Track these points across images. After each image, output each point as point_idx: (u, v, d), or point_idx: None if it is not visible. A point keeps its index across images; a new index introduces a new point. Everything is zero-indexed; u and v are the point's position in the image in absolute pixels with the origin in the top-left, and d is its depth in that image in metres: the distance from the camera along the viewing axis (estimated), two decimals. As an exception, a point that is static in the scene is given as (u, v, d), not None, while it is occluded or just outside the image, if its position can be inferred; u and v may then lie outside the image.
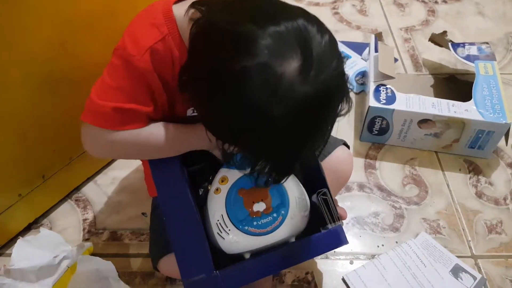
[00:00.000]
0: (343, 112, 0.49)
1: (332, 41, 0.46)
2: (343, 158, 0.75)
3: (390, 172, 0.95)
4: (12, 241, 0.82)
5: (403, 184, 0.93)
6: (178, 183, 0.61)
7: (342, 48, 1.24)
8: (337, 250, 0.82)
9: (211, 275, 0.55)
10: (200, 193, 0.70)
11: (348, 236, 0.82)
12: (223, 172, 0.63)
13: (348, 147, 0.78)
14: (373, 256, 0.81)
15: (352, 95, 1.10)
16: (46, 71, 0.69)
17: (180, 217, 0.59)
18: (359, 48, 1.24)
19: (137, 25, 0.56)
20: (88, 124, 0.55)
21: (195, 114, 0.66)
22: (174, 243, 0.57)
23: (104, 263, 0.76)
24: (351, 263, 0.80)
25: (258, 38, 0.42)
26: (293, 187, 0.62)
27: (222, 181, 0.62)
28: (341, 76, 0.47)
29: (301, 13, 0.46)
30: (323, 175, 0.62)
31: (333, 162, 0.71)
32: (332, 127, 0.50)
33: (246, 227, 0.58)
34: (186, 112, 0.65)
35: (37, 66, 0.68)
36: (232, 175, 0.62)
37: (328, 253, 0.82)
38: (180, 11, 0.55)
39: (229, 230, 0.58)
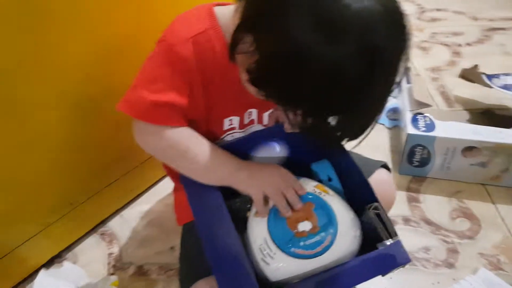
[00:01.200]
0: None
1: None
2: (386, 182, 0.71)
3: (435, 205, 0.89)
4: (33, 275, 0.76)
5: (452, 218, 0.86)
6: (213, 199, 0.56)
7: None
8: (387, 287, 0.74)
9: None
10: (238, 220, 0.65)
11: (398, 272, 0.75)
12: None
13: (389, 169, 0.74)
14: (428, 295, 0.73)
15: (384, 129, 1.08)
16: (79, 92, 0.68)
17: (219, 240, 0.52)
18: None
19: (179, 20, 0.57)
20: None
21: (231, 126, 0.63)
22: (215, 268, 0.50)
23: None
24: (405, 302, 0.72)
25: None
26: (339, 205, 0.56)
27: None
28: (402, 16, 0.44)
29: None
30: (371, 190, 0.56)
31: (374, 183, 0.66)
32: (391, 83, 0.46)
33: (292, 249, 0.52)
34: (223, 124, 0.63)
35: (70, 86, 0.67)
36: None
37: (377, 292, 0.73)
38: (221, 10, 0.56)
39: (274, 254, 0.52)
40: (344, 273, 0.51)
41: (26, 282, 0.76)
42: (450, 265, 0.77)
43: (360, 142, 0.51)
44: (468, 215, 0.86)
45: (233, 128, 0.65)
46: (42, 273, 0.72)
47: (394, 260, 0.52)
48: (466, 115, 1.11)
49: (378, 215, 0.54)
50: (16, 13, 0.55)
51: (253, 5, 0.47)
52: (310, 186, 0.58)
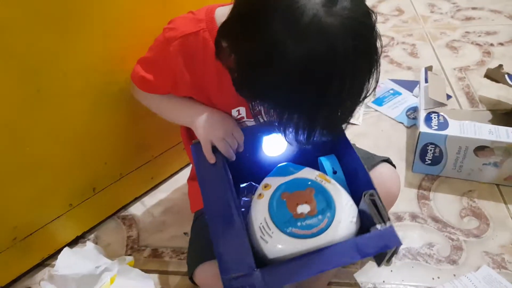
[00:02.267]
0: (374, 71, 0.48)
1: None
2: (389, 175, 0.72)
3: (445, 203, 0.88)
4: (59, 252, 0.84)
5: (460, 216, 0.85)
6: (222, 186, 0.61)
7: (392, 85, 1.24)
8: (386, 280, 0.75)
9: (252, 272, 0.52)
10: (243, 203, 0.69)
11: (399, 266, 0.77)
12: (266, 180, 0.63)
13: (393, 165, 0.75)
14: (427, 289, 0.73)
15: (403, 128, 1.08)
16: (105, 83, 0.75)
17: (222, 216, 0.58)
18: (410, 85, 1.23)
19: (183, 17, 0.64)
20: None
21: (240, 116, 0.68)
22: (215, 241, 0.55)
23: (143, 276, 0.76)
24: (403, 295, 0.73)
25: None
26: (338, 192, 0.59)
27: (265, 187, 0.61)
28: (369, 17, 0.47)
29: None
30: (369, 178, 0.59)
31: (377, 177, 0.68)
32: (363, 81, 0.49)
33: (289, 228, 0.55)
34: (231, 113, 0.68)
35: (97, 77, 0.74)
36: (275, 182, 0.61)
37: (377, 284, 0.75)
38: (222, 11, 0.61)
39: (272, 232, 0.56)
40: (334, 251, 0.54)
41: (52, 259, 0.84)
42: (453, 262, 0.77)
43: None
44: (478, 214, 0.85)
45: (242, 118, 0.70)
46: (66, 250, 0.79)
47: (385, 242, 0.54)
48: (488, 115, 1.09)
49: (373, 201, 0.56)
50: (51, 13, 0.63)
51: (234, 9, 0.52)
52: (313, 174, 0.62)
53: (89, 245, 0.83)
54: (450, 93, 1.19)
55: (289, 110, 0.50)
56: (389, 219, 0.54)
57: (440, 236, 0.82)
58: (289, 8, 0.44)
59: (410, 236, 0.82)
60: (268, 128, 0.67)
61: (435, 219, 0.85)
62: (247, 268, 0.52)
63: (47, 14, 0.63)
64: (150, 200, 0.96)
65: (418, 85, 1.17)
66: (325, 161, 0.67)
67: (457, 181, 0.92)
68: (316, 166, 0.70)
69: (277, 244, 0.55)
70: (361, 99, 0.50)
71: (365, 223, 0.58)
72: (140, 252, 0.85)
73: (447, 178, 0.93)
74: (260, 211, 0.58)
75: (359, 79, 0.48)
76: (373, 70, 0.49)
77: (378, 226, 0.54)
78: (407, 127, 1.08)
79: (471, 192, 0.90)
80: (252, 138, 0.68)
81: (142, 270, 0.77)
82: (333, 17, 0.44)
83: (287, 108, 0.50)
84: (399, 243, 0.54)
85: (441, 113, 0.93)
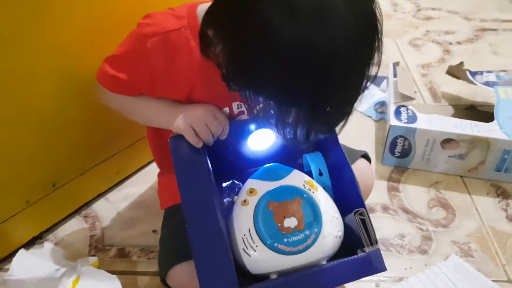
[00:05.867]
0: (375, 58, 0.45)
1: None
2: (366, 170, 0.73)
3: (414, 194, 0.90)
4: (13, 254, 0.77)
5: (429, 207, 0.87)
6: (202, 186, 0.56)
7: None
8: (361, 271, 0.75)
9: None
10: (225, 204, 0.66)
11: (372, 258, 0.77)
12: (251, 183, 0.60)
13: (369, 159, 0.75)
14: (400, 279, 0.74)
15: (371, 122, 1.10)
16: (71, 67, 0.69)
17: (204, 224, 0.53)
18: (376, 80, 1.25)
19: (163, 13, 0.59)
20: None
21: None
22: (196, 253, 0.51)
23: (109, 277, 0.71)
24: (377, 286, 0.73)
25: None
26: (326, 204, 0.58)
27: (251, 192, 0.58)
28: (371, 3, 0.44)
29: None
30: (358, 191, 0.57)
31: (356, 172, 0.67)
32: (366, 64, 0.45)
33: (275, 244, 0.53)
34: None
35: (63, 61, 0.68)
36: (261, 186, 0.58)
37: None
38: (205, 7, 0.57)
39: (256, 246, 0.53)
40: (321, 274, 0.53)
41: (5, 263, 0.77)
42: (424, 252, 0.79)
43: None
44: (445, 205, 0.88)
45: None
46: (22, 252, 0.72)
47: (371, 267, 0.53)
48: (450, 110, 1.13)
49: (363, 221, 0.55)
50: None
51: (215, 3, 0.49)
52: (301, 181, 0.59)
53: (48, 245, 0.78)
54: (415, 89, 1.22)
55: (286, 99, 0.46)
56: (376, 242, 0.53)
57: (411, 227, 0.83)
58: None
59: (383, 227, 0.83)
60: (254, 123, 0.64)
61: (405, 210, 0.87)
62: (230, 286, 0.50)
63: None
64: (115, 196, 0.91)
65: (385, 80, 1.19)
66: (311, 161, 0.65)
67: (425, 173, 0.95)
68: (301, 161, 0.69)
69: (261, 259, 0.53)
70: (363, 87, 0.46)
71: (348, 238, 0.57)
72: (105, 252, 0.80)
73: (415, 170, 0.96)
74: (244, 220, 0.55)
75: (362, 63, 0.44)
76: (374, 52, 0.45)
77: (366, 249, 0.53)
78: (376, 121, 1.10)
79: (438, 183, 0.93)
80: (236, 130, 0.63)
81: (108, 271, 0.71)
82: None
83: (284, 98, 0.46)
84: (384, 269, 0.53)
85: (410, 107, 0.95)
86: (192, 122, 0.58)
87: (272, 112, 0.49)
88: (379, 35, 0.45)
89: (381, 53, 0.45)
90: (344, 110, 0.48)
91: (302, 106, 0.46)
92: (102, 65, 0.62)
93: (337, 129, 0.50)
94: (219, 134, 0.60)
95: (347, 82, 0.45)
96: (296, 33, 0.41)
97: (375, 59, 0.45)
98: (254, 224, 0.54)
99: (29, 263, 0.72)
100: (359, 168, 0.72)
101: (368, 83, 0.46)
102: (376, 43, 0.45)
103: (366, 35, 0.44)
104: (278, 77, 0.44)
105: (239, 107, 0.65)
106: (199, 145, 0.58)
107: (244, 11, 0.44)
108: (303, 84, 0.44)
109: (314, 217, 0.55)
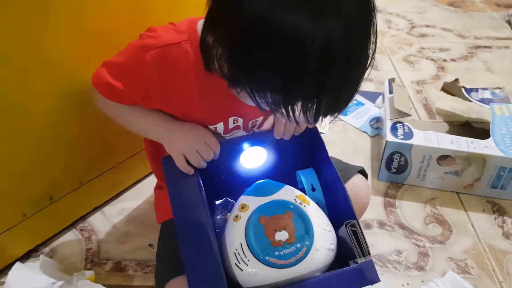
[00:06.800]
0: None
1: None
2: (362, 186, 0.73)
3: (411, 210, 0.91)
4: (9, 267, 0.77)
5: (425, 223, 0.88)
6: (195, 201, 0.57)
7: (355, 96, 1.26)
8: (358, 288, 0.75)
9: None
10: (219, 221, 0.66)
11: (369, 274, 0.77)
12: (243, 199, 0.60)
13: (366, 175, 0.76)
14: (397, 296, 0.74)
15: (367, 137, 1.10)
16: (69, 82, 0.70)
17: (196, 240, 0.54)
18: (372, 96, 1.26)
19: (164, 27, 0.60)
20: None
21: (218, 132, 0.66)
22: (187, 268, 0.52)
23: (106, 292, 0.71)
24: (374, 302, 0.73)
25: None
26: (317, 217, 0.58)
27: (242, 208, 0.58)
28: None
29: None
30: (350, 206, 0.58)
31: (351, 188, 0.68)
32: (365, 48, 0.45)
33: (266, 258, 0.53)
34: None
35: (61, 76, 0.68)
36: (252, 202, 0.58)
37: (348, 292, 0.75)
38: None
39: (248, 260, 0.53)
40: (313, 286, 0.52)
41: (1, 276, 0.76)
42: (420, 268, 0.79)
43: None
44: (441, 221, 0.88)
45: (219, 133, 0.67)
46: (17, 265, 0.72)
47: (364, 278, 0.53)
48: (445, 126, 1.14)
49: (354, 232, 0.55)
50: (12, 4, 0.58)
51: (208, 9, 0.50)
52: (292, 195, 0.60)
53: (43, 259, 0.76)
54: (410, 105, 1.24)
55: (292, 92, 0.46)
56: (369, 253, 0.54)
57: (407, 243, 0.84)
58: None
59: (379, 243, 0.83)
60: (246, 141, 0.65)
61: (402, 226, 0.87)
62: None
63: (8, 5, 0.58)
64: (112, 209, 0.91)
65: (380, 96, 1.21)
66: (304, 177, 0.66)
67: (421, 189, 0.95)
68: (295, 178, 0.69)
69: (253, 273, 0.53)
70: (366, 66, 0.47)
71: (342, 251, 0.57)
72: (101, 265, 0.80)
73: (411, 186, 0.96)
74: (236, 235, 0.56)
75: (360, 47, 0.45)
76: (371, 34, 0.45)
77: (358, 260, 0.53)
78: (371, 136, 1.11)
79: (434, 200, 0.93)
80: (228, 149, 0.64)
81: (104, 285, 0.71)
82: None
83: (289, 90, 0.46)
84: (378, 280, 0.53)
85: (406, 123, 0.96)
86: (183, 150, 0.60)
87: (281, 104, 0.48)
88: (375, 13, 0.45)
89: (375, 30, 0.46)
90: (350, 90, 0.49)
91: (307, 94, 0.46)
92: (99, 69, 0.62)
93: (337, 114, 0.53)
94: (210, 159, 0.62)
95: (350, 62, 0.45)
96: (291, 20, 0.41)
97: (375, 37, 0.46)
98: (246, 238, 0.55)
99: (25, 277, 0.71)
100: (355, 184, 0.72)
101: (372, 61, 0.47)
102: (374, 20, 0.45)
103: (363, 14, 0.44)
104: (279, 65, 0.44)
105: (235, 121, 0.66)
106: (191, 173, 0.60)
107: (236, 5, 0.44)
108: (305, 68, 0.44)
109: (306, 230, 0.56)
